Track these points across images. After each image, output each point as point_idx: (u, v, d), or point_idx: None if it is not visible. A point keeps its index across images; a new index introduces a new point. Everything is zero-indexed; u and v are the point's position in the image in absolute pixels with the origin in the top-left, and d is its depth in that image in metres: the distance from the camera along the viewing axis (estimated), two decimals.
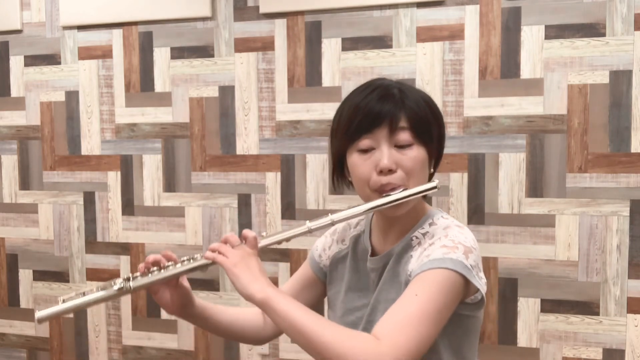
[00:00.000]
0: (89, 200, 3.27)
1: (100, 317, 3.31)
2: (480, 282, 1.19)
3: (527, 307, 2.69)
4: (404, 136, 1.21)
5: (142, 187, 3.18)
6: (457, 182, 2.68)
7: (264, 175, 2.99)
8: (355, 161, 1.23)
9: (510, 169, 2.67)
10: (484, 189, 2.69)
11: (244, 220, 3.02)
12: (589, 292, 2.62)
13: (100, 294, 1.24)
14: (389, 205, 1.21)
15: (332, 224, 1.25)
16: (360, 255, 1.37)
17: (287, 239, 1.27)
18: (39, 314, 1.23)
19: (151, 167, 3.15)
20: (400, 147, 1.21)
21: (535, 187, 2.66)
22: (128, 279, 1.25)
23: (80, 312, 3.32)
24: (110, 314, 3.29)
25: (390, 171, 1.21)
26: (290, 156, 2.94)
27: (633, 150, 2.54)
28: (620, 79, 2.54)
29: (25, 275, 3.41)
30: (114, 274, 3.25)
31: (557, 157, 2.63)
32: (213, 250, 1.25)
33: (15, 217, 3.40)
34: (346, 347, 1.05)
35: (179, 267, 1.26)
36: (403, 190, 1.21)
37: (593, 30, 2.55)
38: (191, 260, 1.28)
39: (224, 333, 1.45)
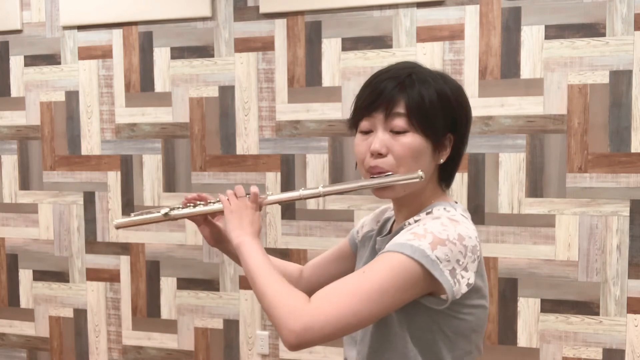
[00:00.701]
0: (89, 200, 3.27)
1: (100, 317, 3.31)
2: (452, 279, 1.13)
3: (527, 307, 2.69)
4: (399, 122, 1.21)
5: (142, 187, 3.18)
6: (457, 182, 2.68)
7: (264, 175, 2.99)
8: (356, 141, 1.29)
9: (510, 169, 2.67)
10: (484, 189, 2.69)
11: None
12: (589, 292, 2.62)
13: (152, 215, 1.45)
14: (373, 186, 1.25)
15: (320, 195, 1.35)
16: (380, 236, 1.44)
17: (283, 202, 1.39)
18: (117, 221, 1.47)
19: (151, 167, 3.15)
20: (396, 132, 1.22)
21: (535, 187, 2.66)
22: (172, 209, 1.43)
23: (80, 312, 3.33)
24: (110, 314, 3.29)
25: (380, 155, 1.23)
26: (290, 156, 2.94)
27: (633, 150, 2.54)
28: (620, 79, 2.54)
29: (25, 275, 3.41)
30: (114, 274, 3.25)
31: (557, 157, 2.63)
32: (225, 197, 1.38)
33: (15, 217, 3.40)
34: (278, 299, 1.13)
35: (203, 208, 1.43)
36: (390, 175, 1.23)
37: (593, 30, 2.55)
38: (210, 203, 1.44)
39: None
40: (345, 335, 1.12)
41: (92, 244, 3.28)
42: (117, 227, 1.47)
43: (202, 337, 3.15)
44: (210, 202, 1.44)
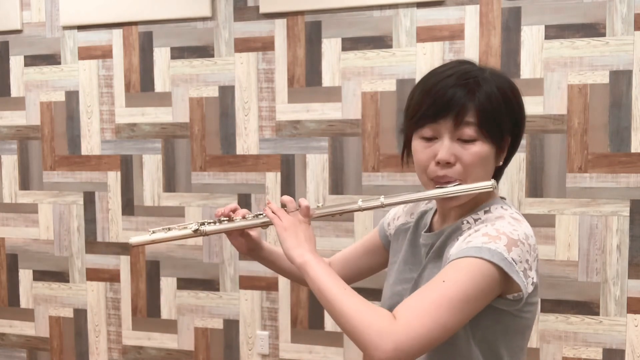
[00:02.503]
0: (89, 200, 3.27)
1: (100, 317, 3.31)
2: (525, 279, 1.14)
3: None
4: (469, 131, 1.17)
5: (142, 187, 3.18)
6: None
7: (264, 175, 2.99)
8: (417, 147, 1.23)
9: (509, 169, 2.67)
10: None
11: None
12: (589, 292, 2.62)
13: (180, 232, 1.41)
14: (441, 197, 1.21)
15: (382, 206, 1.28)
16: (420, 230, 1.38)
17: (340, 213, 1.33)
18: (133, 239, 1.44)
19: (151, 167, 3.15)
20: (464, 141, 1.18)
21: (535, 187, 2.66)
22: (203, 224, 1.39)
23: (80, 312, 3.33)
24: (110, 314, 3.29)
25: (449, 164, 1.19)
26: (290, 156, 2.94)
27: (633, 150, 2.54)
28: (620, 79, 2.54)
29: (25, 275, 3.41)
30: (114, 274, 3.25)
31: (557, 157, 2.63)
32: (272, 211, 1.33)
33: (15, 217, 3.40)
34: (362, 320, 1.08)
35: (243, 222, 1.39)
36: (458, 184, 1.20)
37: (593, 30, 2.55)
38: (255, 217, 1.39)
39: (288, 276, 1.59)
40: (435, 346, 1.09)
41: (92, 244, 3.28)
42: (133, 246, 1.43)
43: (202, 337, 3.15)
44: (249, 216, 1.39)
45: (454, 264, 1.12)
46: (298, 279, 1.57)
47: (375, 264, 1.54)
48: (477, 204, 1.27)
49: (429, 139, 1.21)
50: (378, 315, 1.08)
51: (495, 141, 1.20)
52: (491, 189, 1.20)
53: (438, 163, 1.19)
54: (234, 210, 1.41)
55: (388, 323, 1.07)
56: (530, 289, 1.16)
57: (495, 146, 1.21)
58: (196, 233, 1.38)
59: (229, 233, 1.44)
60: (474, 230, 1.18)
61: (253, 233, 1.47)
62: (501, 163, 1.27)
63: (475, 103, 1.17)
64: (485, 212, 1.25)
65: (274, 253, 1.54)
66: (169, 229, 1.42)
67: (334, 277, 1.18)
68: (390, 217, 1.51)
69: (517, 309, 1.19)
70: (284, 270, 1.56)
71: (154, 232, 1.43)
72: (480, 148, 1.18)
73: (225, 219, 1.40)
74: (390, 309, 1.29)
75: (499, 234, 1.14)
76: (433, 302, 1.07)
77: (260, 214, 1.37)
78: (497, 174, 1.30)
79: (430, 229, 1.36)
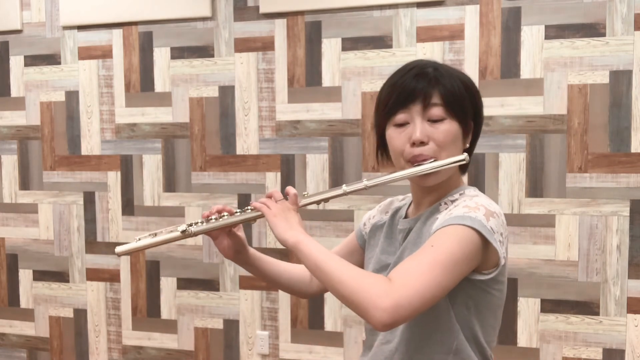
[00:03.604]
0: (89, 200, 3.27)
1: (100, 317, 3.31)
2: (500, 248, 1.22)
3: (527, 307, 2.69)
4: (437, 111, 1.27)
5: (142, 187, 3.18)
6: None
7: (264, 175, 2.99)
8: (392, 134, 1.32)
9: (510, 169, 2.67)
10: (484, 189, 2.70)
11: None
12: (589, 292, 2.62)
13: (168, 235, 1.40)
14: (420, 173, 1.28)
15: (366, 188, 1.35)
16: (395, 223, 1.44)
17: (325, 200, 1.38)
18: (118, 248, 1.41)
19: (151, 167, 3.15)
20: (433, 121, 1.27)
21: (535, 187, 2.66)
22: (191, 225, 1.39)
23: (80, 312, 3.33)
24: (110, 314, 3.29)
25: (422, 143, 1.27)
26: (290, 156, 2.94)
27: (633, 150, 2.54)
28: (620, 79, 2.54)
29: (25, 275, 3.41)
30: (114, 274, 3.25)
31: (557, 157, 2.63)
32: (261, 203, 1.36)
33: (15, 217, 3.40)
34: (359, 284, 1.14)
35: (231, 218, 1.39)
36: (433, 161, 1.27)
37: (593, 30, 2.55)
38: (242, 212, 1.40)
39: (273, 282, 1.60)
40: (429, 307, 1.14)
41: (92, 244, 3.28)
42: (119, 255, 1.41)
43: (202, 337, 3.15)
44: (237, 212, 1.40)
45: (440, 231, 1.20)
46: (282, 285, 1.59)
47: (356, 265, 1.56)
48: (451, 188, 1.36)
49: (402, 125, 1.30)
50: (375, 279, 1.14)
51: (460, 120, 1.29)
52: (464, 162, 1.29)
53: (413, 144, 1.28)
54: (220, 211, 1.42)
55: (386, 284, 1.12)
56: (501, 261, 1.24)
57: (461, 126, 1.30)
58: (184, 234, 1.37)
59: (216, 235, 1.45)
60: (454, 207, 1.26)
61: (240, 233, 1.48)
62: (467, 145, 1.35)
63: (439, 88, 1.28)
64: (461, 194, 1.33)
65: (261, 258, 1.55)
66: (156, 234, 1.41)
67: (328, 252, 1.23)
68: (366, 217, 1.58)
69: (487, 282, 1.26)
70: (269, 276, 1.57)
71: (140, 239, 1.41)
72: (449, 126, 1.28)
73: (213, 217, 1.41)
74: None
75: (477, 205, 1.23)
76: (426, 263, 1.14)
77: (247, 209, 1.39)
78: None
79: (407, 218, 1.43)
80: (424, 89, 1.27)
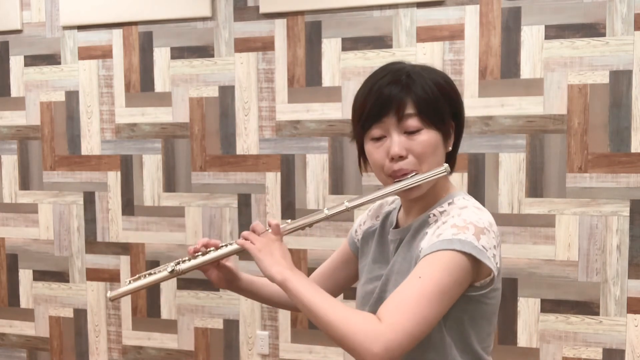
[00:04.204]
0: (89, 200, 3.27)
1: (100, 317, 3.31)
2: (494, 264, 1.20)
3: (527, 307, 2.69)
4: (412, 122, 1.24)
5: (142, 187, 3.18)
6: (457, 182, 2.68)
7: (264, 175, 2.99)
8: (370, 149, 1.29)
9: (510, 169, 2.67)
10: (484, 189, 2.69)
11: (244, 220, 3.02)
12: (589, 292, 2.62)
13: (158, 276, 1.40)
14: (401, 189, 1.25)
15: (347, 210, 1.31)
16: (386, 229, 1.42)
17: (309, 225, 1.35)
18: (111, 293, 1.41)
19: (151, 167, 3.15)
20: (410, 132, 1.24)
21: (535, 187, 2.66)
22: (178, 263, 1.40)
23: (80, 312, 3.33)
24: (110, 314, 3.29)
25: (401, 157, 1.24)
26: (290, 156, 2.94)
27: (633, 150, 2.54)
28: (620, 79, 2.54)
29: (25, 275, 3.41)
30: (114, 274, 3.25)
31: (557, 157, 2.63)
32: (244, 238, 1.35)
33: (15, 217, 3.40)
34: (348, 326, 1.12)
35: (217, 253, 1.40)
36: (414, 174, 1.25)
37: (593, 30, 2.55)
38: (227, 246, 1.40)
39: (270, 303, 1.61)
40: (420, 340, 1.13)
41: (92, 244, 3.28)
42: (112, 300, 1.41)
43: (202, 337, 3.15)
44: (222, 246, 1.40)
45: (427, 259, 1.17)
46: (282, 305, 1.59)
47: (351, 274, 1.56)
48: (439, 195, 1.32)
49: (378, 139, 1.27)
50: (364, 319, 1.12)
51: (438, 127, 1.26)
52: (445, 174, 1.26)
53: (392, 159, 1.25)
54: (206, 245, 1.42)
55: (374, 325, 1.10)
56: (496, 272, 1.22)
57: (440, 132, 1.27)
58: (172, 274, 1.39)
59: (206, 269, 1.45)
60: (442, 222, 1.23)
61: (229, 264, 1.48)
62: (450, 148, 1.32)
63: (411, 96, 1.24)
64: (449, 203, 1.30)
65: (255, 283, 1.55)
66: (146, 276, 1.42)
67: (315, 289, 1.20)
68: (357, 224, 1.55)
69: (483, 294, 1.24)
70: (266, 298, 1.58)
71: (130, 281, 1.42)
72: (426, 136, 1.24)
73: (198, 254, 1.41)
74: (364, 308, 1.36)
75: (466, 224, 1.19)
76: (413, 298, 1.12)
77: (231, 243, 1.39)
78: (449, 160, 1.35)
79: (397, 226, 1.40)
80: (396, 100, 1.24)
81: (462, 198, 1.31)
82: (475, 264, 1.18)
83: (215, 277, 1.47)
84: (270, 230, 1.33)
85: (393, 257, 1.34)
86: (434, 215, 1.29)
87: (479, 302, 1.25)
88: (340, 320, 1.13)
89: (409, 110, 1.24)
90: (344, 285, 1.58)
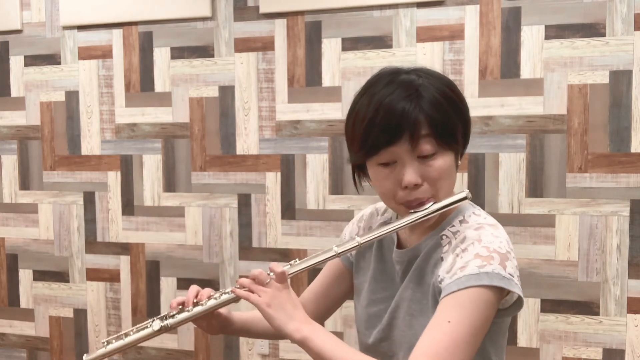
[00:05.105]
0: (89, 200, 3.27)
1: (100, 317, 3.31)
2: (519, 287, 1.14)
3: (527, 307, 2.69)
4: (427, 147, 1.12)
5: (142, 187, 3.18)
6: (458, 181, 2.68)
7: (264, 175, 2.99)
8: (378, 175, 1.17)
9: (510, 169, 2.67)
10: (484, 189, 2.69)
11: (244, 220, 3.02)
12: (589, 292, 2.62)
13: (141, 334, 1.30)
14: (420, 221, 1.15)
15: (359, 245, 1.20)
16: (386, 245, 1.32)
17: (315, 265, 1.24)
18: (86, 357, 1.30)
19: (151, 167, 3.15)
20: (424, 157, 1.13)
21: (535, 187, 2.66)
22: (165, 317, 1.28)
23: (80, 312, 3.33)
24: (110, 314, 3.29)
25: (416, 185, 1.14)
26: (290, 156, 2.94)
27: (633, 150, 2.54)
28: (620, 79, 2.54)
29: (25, 275, 3.41)
30: (114, 274, 3.25)
31: (557, 157, 2.63)
32: (243, 286, 1.23)
33: (15, 217, 3.40)
34: None
35: (211, 303, 1.28)
36: (433, 203, 1.15)
37: (593, 30, 2.55)
38: (222, 296, 1.28)
39: (265, 337, 1.50)
40: None
41: (92, 244, 3.28)
42: None
43: (202, 337, 3.15)
44: (213, 297, 1.27)
45: (454, 299, 1.08)
46: (278, 337, 1.45)
47: (345, 291, 1.47)
48: (446, 213, 1.23)
49: (387, 164, 1.15)
50: None
51: (453, 148, 1.17)
52: (467, 199, 1.17)
53: (405, 187, 1.14)
54: (196, 296, 1.31)
55: None
56: (521, 294, 1.16)
57: (453, 153, 1.18)
58: (161, 330, 1.27)
59: (195, 318, 1.32)
60: (461, 250, 1.14)
61: (222, 310, 1.36)
62: (459, 163, 1.24)
63: (423, 113, 1.11)
64: (461, 222, 1.22)
65: (248, 322, 1.45)
66: (126, 335, 1.30)
67: (339, 345, 1.12)
68: (347, 236, 1.44)
69: (502, 313, 1.19)
70: (261, 334, 1.47)
71: (108, 342, 1.30)
72: (442, 161, 1.15)
73: (189, 307, 1.29)
74: (370, 331, 1.28)
75: (489, 252, 1.11)
76: (446, 347, 1.04)
77: (230, 291, 1.27)
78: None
79: (399, 244, 1.30)
80: (409, 122, 1.10)
81: (472, 214, 1.24)
82: (502, 293, 1.12)
83: (206, 326, 1.35)
84: (274, 278, 1.20)
85: (403, 282, 1.25)
86: (446, 236, 1.20)
87: (499, 319, 1.20)
88: None
89: (424, 131, 1.12)
90: (340, 302, 1.48)
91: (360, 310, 1.36)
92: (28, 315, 3.43)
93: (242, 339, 3.09)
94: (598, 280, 2.61)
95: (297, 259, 1.26)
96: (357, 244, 1.19)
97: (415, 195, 1.15)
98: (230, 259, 3.07)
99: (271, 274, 1.21)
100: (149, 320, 1.29)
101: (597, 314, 2.61)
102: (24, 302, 3.43)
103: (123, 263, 3.24)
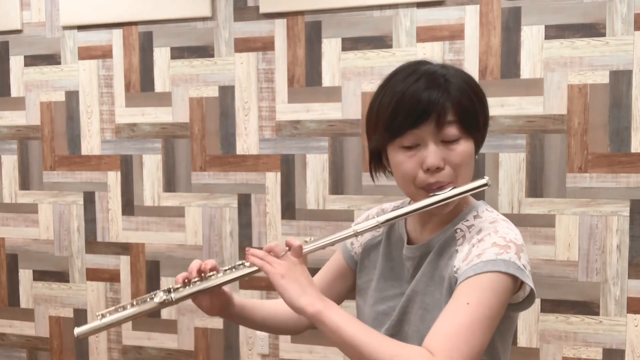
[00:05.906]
0: (89, 200, 3.27)
1: None
2: (531, 279, 1.15)
3: None
4: (452, 131, 1.14)
5: (142, 187, 3.18)
6: None
7: (264, 175, 2.99)
8: (399, 158, 1.18)
9: (510, 169, 2.67)
10: (484, 188, 2.69)
11: (244, 220, 3.02)
12: (589, 292, 2.62)
13: (141, 308, 1.21)
14: (439, 205, 1.16)
15: (379, 225, 1.20)
16: (394, 243, 1.31)
17: (332, 244, 1.22)
18: (78, 330, 1.20)
19: (151, 167, 3.15)
20: (448, 142, 1.15)
21: (535, 187, 2.66)
22: (169, 291, 1.22)
23: (80, 312, 3.32)
24: None
25: (438, 169, 1.15)
26: (290, 156, 2.94)
27: (633, 150, 2.54)
28: (620, 79, 2.54)
29: (25, 275, 3.41)
30: (113, 274, 3.25)
31: (557, 157, 2.63)
32: (260, 258, 1.18)
33: (15, 217, 3.40)
34: None
35: (221, 277, 1.23)
36: (452, 188, 1.16)
37: (593, 30, 2.55)
38: (234, 269, 1.22)
39: (262, 328, 1.46)
40: None
41: (92, 244, 3.28)
42: (79, 337, 1.19)
43: (202, 337, 3.15)
44: (226, 269, 1.22)
45: (472, 282, 1.09)
46: (275, 330, 1.45)
47: (347, 289, 1.45)
48: (460, 207, 1.24)
49: (410, 147, 1.16)
50: (416, 354, 1.03)
51: (475, 136, 1.19)
52: (487, 186, 1.18)
53: (427, 170, 1.15)
54: (202, 270, 1.25)
55: (428, 359, 1.02)
56: (533, 288, 1.17)
57: (474, 141, 1.19)
58: (164, 304, 1.19)
59: (196, 296, 1.26)
60: (478, 240, 1.15)
61: (225, 289, 1.32)
62: (477, 157, 1.24)
63: (450, 100, 1.14)
64: (475, 217, 1.22)
65: (246, 308, 1.40)
66: (124, 308, 1.22)
67: (356, 322, 1.09)
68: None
69: (512, 309, 1.20)
70: (259, 324, 1.43)
71: (103, 315, 1.21)
72: (464, 146, 1.16)
73: (196, 279, 1.23)
74: (378, 329, 1.25)
75: (506, 242, 1.13)
76: (466, 328, 1.04)
77: (240, 264, 1.23)
78: None
79: (409, 241, 1.29)
80: (436, 105, 1.12)
81: (486, 210, 1.25)
82: (515, 283, 1.12)
83: (207, 304, 1.29)
84: (289, 252, 1.17)
85: (415, 277, 1.24)
86: (461, 230, 1.21)
87: (508, 317, 1.20)
88: (390, 357, 1.02)
89: (450, 117, 1.14)
90: (340, 301, 1.45)
91: (367, 309, 1.34)
92: (28, 315, 3.43)
93: (242, 339, 3.09)
94: (598, 280, 2.61)
95: (311, 238, 1.23)
96: (376, 223, 1.20)
97: (437, 178, 1.15)
98: (230, 259, 3.07)
99: (288, 250, 1.18)
100: (151, 292, 1.23)
101: (597, 314, 2.61)
102: (24, 302, 3.43)
103: (123, 263, 3.24)
